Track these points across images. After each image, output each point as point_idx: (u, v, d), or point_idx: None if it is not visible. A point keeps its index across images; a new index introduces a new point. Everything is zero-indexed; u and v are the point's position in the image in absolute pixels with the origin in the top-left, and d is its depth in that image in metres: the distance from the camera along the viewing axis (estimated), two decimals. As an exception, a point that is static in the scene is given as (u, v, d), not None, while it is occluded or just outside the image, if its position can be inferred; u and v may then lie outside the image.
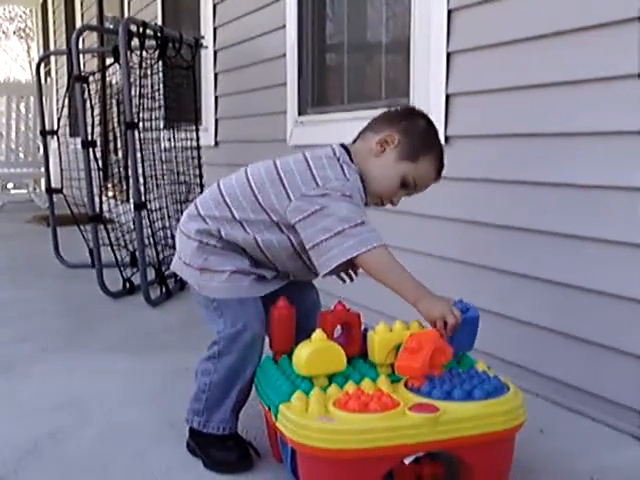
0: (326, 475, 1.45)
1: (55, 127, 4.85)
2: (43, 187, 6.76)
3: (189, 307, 3.25)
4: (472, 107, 2.46)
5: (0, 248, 5.40)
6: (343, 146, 1.81)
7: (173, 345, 2.84)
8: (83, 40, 6.55)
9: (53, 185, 4.73)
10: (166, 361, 2.60)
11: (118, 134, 5.72)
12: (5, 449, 1.91)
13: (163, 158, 4.11)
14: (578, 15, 2.02)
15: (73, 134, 5.67)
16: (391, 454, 1.43)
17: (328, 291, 2.25)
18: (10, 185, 9.03)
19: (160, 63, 3.98)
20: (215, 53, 4.63)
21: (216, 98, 4.68)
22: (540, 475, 1.74)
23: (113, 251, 3.88)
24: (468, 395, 1.47)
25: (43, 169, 4.99)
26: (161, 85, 4.10)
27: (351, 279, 1.89)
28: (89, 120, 3.80)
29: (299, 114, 3.60)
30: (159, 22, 5.61)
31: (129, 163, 3.62)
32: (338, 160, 1.74)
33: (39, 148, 7.33)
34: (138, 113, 3.67)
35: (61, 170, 4.49)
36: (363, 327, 1.75)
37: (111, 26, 7.25)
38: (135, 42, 3.69)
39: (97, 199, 3.94)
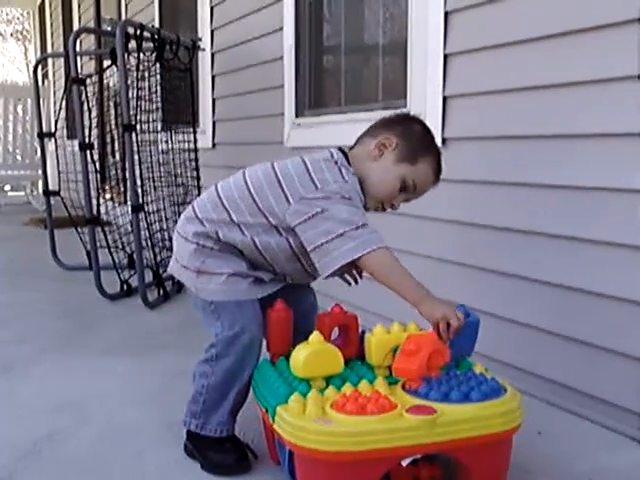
0: (323, 477, 1.46)
1: (52, 129, 4.85)
2: (40, 189, 6.74)
3: (187, 309, 3.25)
4: (469, 109, 2.46)
5: (-3, 250, 5.40)
6: (341, 150, 1.81)
7: (171, 347, 2.83)
8: (80, 42, 6.54)
9: (50, 187, 4.72)
10: (164, 363, 2.61)
11: (115, 136, 5.72)
12: (4, 450, 1.91)
13: (160, 160, 4.11)
14: (577, 16, 2.03)
15: (70, 136, 5.68)
16: (388, 456, 1.43)
17: (326, 293, 2.25)
18: (7, 187, 9.02)
19: (157, 65, 3.98)
20: (212, 55, 4.63)
21: (213, 100, 4.68)
22: (537, 477, 1.74)
23: (111, 253, 3.88)
24: (465, 397, 1.48)
25: (40, 171, 4.99)
26: (158, 87, 4.10)
27: (356, 281, 1.89)
28: (86, 122, 3.80)
29: (296, 116, 3.60)
30: (156, 24, 5.61)
31: (126, 165, 3.62)
32: (336, 163, 1.75)
33: (36, 150, 7.32)
34: (135, 115, 3.67)
35: (58, 172, 4.48)
36: (360, 329, 1.75)
37: (108, 28, 7.24)
38: (132, 44, 3.70)
39: (94, 201, 3.94)
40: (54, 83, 9.74)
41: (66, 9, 9.46)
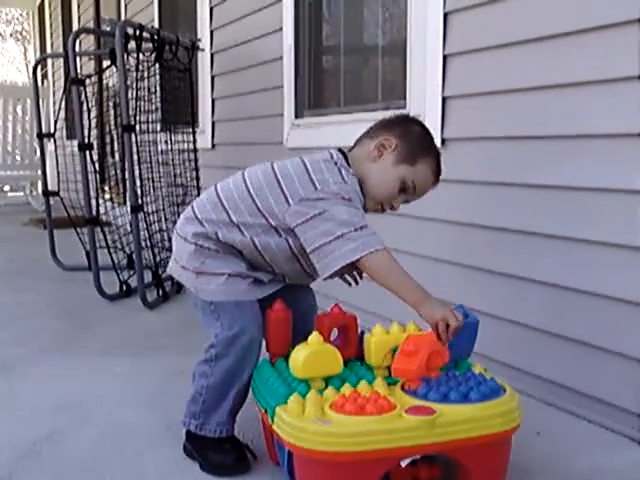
0: (322, 477, 1.46)
1: (52, 130, 4.85)
2: (40, 190, 6.74)
3: (186, 310, 3.25)
4: (469, 110, 2.46)
5: (-3, 251, 5.40)
6: (340, 151, 1.81)
7: (170, 347, 2.84)
8: (80, 43, 6.54)
9: (50, 188, 4.72)
10: (164, 363, 2.61)
11: (115, 137, 5.71)
12: (4, 450, 1.91)
13: (160, 161, 4.12)
14: (577, 17, 2.03)
15: (70, 137, 5.67)
16: (388, 457, 1.43)
17: (325, 294, 2.26)
18: (7, 188, 9.02)
19: (157, 66, 3.98)
20: (212, 56, 4.63)
21: (213, 100, 4.69)
22: (536, 477, 1.74)
23: (110, 254, 3.88)
24: (465, 397, 1.48)
25: (40, 172, 4.99)
26: (158, 88, 4.10)
27: (356, 282, 1.89)
28: (86, 123, 3.80)
29: (296, 117, 3.60)
30: (156, 25, 5.61)
31: (126, 166, 3.62)
32: (335, 164, 1.75)
33: (36, 151, 7.32)
34: (135, 116, 3.67)
35: (58, 173, 4.48)
36: (360, 330, 1.75)
37: (108, 29, 7.26)
38: (132, 45, 3.70)
39: (94, 202, 3.94)
40: (53, 83, 9.74)
41: (65, 9, 9.45)
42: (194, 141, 4.29)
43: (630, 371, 1.95)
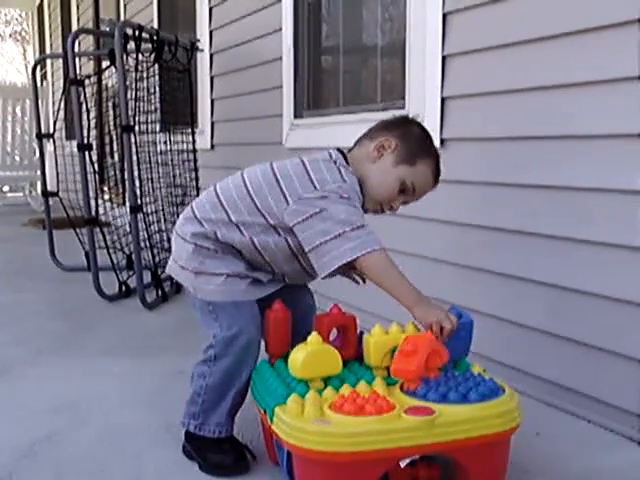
0: (321, 478, 1.46)
1: (51, 130, 4.85)
2: (39, 190, 6.75)
3: (185, 310, 3.25)
4: (468, 110, 2.46)
5: (-4, 251, 5.40)
6: (340, 150, 1.81)
7: (169, 348, 2.83)
8: (79, 43, 6.52)
9: (49, 188, 4.73)
10: (163, 364, 2.61)
11: (114, 137, 5.72)
12: (3, 451, 1.91)
13: (159, 161, 4.12)
14: (577, 17, 2.03)
15: (69, 137, 5.66)
16: (387, 457, 1.43)
17: (324, 294, 2.26)
18: (6, 188, 9.02)
19: (156, 66, 3.98)
20: (211, 56, 4.63)
21: (212, 101, 4.68)
22: (536, 477, 1.74)
23: (109, 254, 3.88)
24: (464, 398, 1.48)
25: (39, 172, 4.99)
26: (157, 88, 4.10)
27: (364, 280, 1.88)
28: (85, 123, 3.80)
29: (295, 117, 3.60)
30: (155, 25, 5.61)
31: (125, 166, 3.62)
32: (335, 163, 1.75)
33: (35, 151, 7.32)
34: (134, 116, 3.67)
35: (57, 173, 4.49)
36: (359, 330, 1.75)
37: (107, 29, 7.24)
38: (131, 45, 3.70)
39: (93, 202, 3.95)
40: (53, 84, 9.73)
41: (65, 10, 9.45)
42: (193, 141, 4.29)
43: (630, 371, 1.95)
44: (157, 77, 4.07)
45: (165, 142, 4.16)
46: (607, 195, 1.98)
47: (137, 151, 3.68)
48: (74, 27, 8.62)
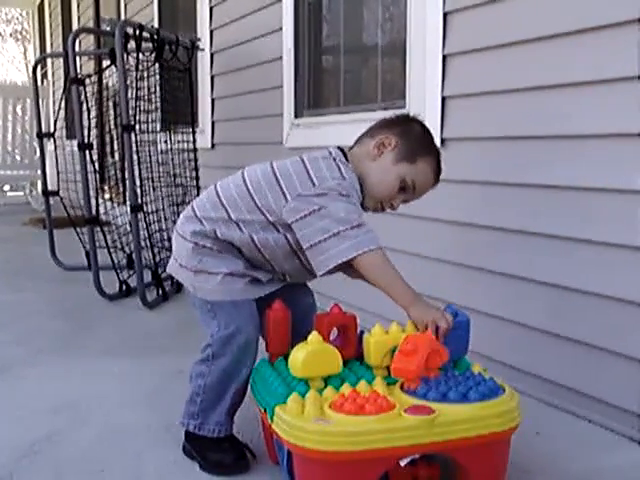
0: (322, 477, 1.45)
1: (52, 129, 4.85)
2: (40, 189, 6.75)
3: (185, 309, 3.25)
4: (468, 110, 2.46)
5: (-4, 250, 5.40)
6: (340, 148, 1.81)
7: (170, 347, 2.83)
8: (80, 42, 6.53)
9: (50, 187, 4.72)
10: (163, 363, 2.60)
11: (115, 136, 5.72)
12: (3, 451, 1.91)
13: (160, 160, 4.11)
14: (577, 17, 2.03)
15: (70, 136, 5.66)
16: (387, 456, 1.43)
17: (324, 293, 2.25)
18: (7, 187, 9.02)
19: (156, 65, 3.98)
20: (212, 55, 4.63)
21: (212, 100, 4.69)
22: (536, 477, 1.74)
23: (110, 253, 3.88)
24: (464, 397, 1.48)
25: (40, 171, 4.99)
26: (157, 87, 4.10)
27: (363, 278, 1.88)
28: (86, 122, 3.80)
29: (295, 116, 3.60)
30: (156, 24, 5.61)
31: (125, 165, 3.62)
32: (334, 160, 1.75)
33: (36, 150, 7.32)
34: (135, 115, 3.67)
35: (57, 172, 4.49)
36: (359, 329, 1.75)
37: (108, 28, 7.24)
38: (132, 44, 3.70)
39: (94, 201, 3.94)
40: (53, 83, 9.74)
41: (65, 9, 9.45)
42: (194, 141, 4.29)
43: (630, 371, 1.95)
44: (157, 76, 4.07)
45: (165, 141, 4.15)
46: (607, 195, 1.98)
47: (137, 150, 3.67)
48: (74, 26, 8.63)
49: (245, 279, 1.75)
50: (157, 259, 3.80)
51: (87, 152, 3.69)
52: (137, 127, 3.69)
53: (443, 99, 2.53)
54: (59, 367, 2.61)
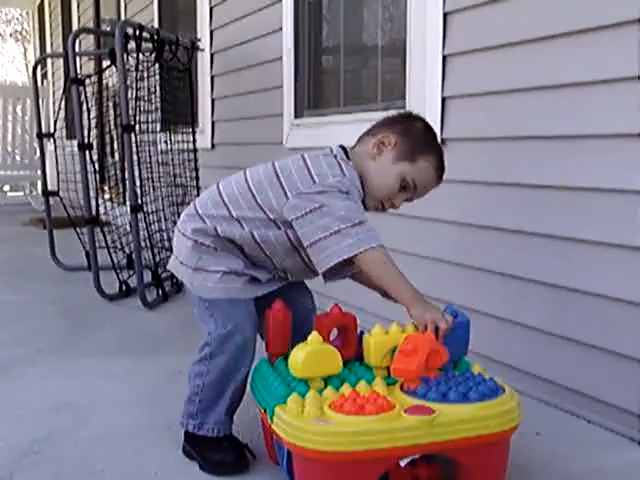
0: (322, 477, 1.46)
1: (52, 130, 4.85)
2: (40, 190, 6.75)
3: (185, 309, 3.24)
4: (468, 110, 2.46)
5: (-4, 251, 5.40)
6: (342, 146, 1.81)
7: (170, 347, 2.83)
8: (80, 43, 6.53)
9: (50, 188, 4.72)
10: (163, 363, 2.60)
11: (115, 137, 5.72)
12: (3, 451, 1.91)
13: (160, 161, 4.12)
14: (577, 17, 2.02)
15: (70, 137, 5.66)
16: (387, 456, 1.43)
17: (324, 294, 2.25)
18: (7, 188, 9.03)
19: (157, 66, 3.98)
20: (212, 56, 4.63)
21: (213, 101, 4.69)
22: (536, 477, 1.74)
23: (109, 254, 3.88)
24: (464, 397, 1.48)
25: (39, 172, 4.98)
26: (157, 88, 4.10)
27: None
28: (86, 123, 3.80)
29: (295, 117, 3.60)
30: (156, 25, 5.61)
31: (125, 165, 3.62)
32: (335, 157, 1.75)
33: (36, 151, 7.32)
34: (135, 116, 3.67)
35: (57, 173, 4.49)
36: (359, 330, 1.75)
37: (108, 29, 7.25)
38: (132, 45, 3.70)
39: (94, 202, 3.94)
40: (53, 83, 9.74)
41: (65, 9, 9.45)
42: (194, 141, 4.29)
43: (630, 371, 1.95)
44: (157, 77, 4.07)
45: (165, 141, 4.16)
46: (607, 195, 1.98)
47: (137, 150, 3.67)
48: (75, 26, 8.63)
49: (244, 278, 1.75)
50: (157, 259, 3.80)
51: (87, 152, 3.69)
52: (137, 127, 3.69)
53: (443, 99, 2.53)
54: (59, 367, 2.61)
